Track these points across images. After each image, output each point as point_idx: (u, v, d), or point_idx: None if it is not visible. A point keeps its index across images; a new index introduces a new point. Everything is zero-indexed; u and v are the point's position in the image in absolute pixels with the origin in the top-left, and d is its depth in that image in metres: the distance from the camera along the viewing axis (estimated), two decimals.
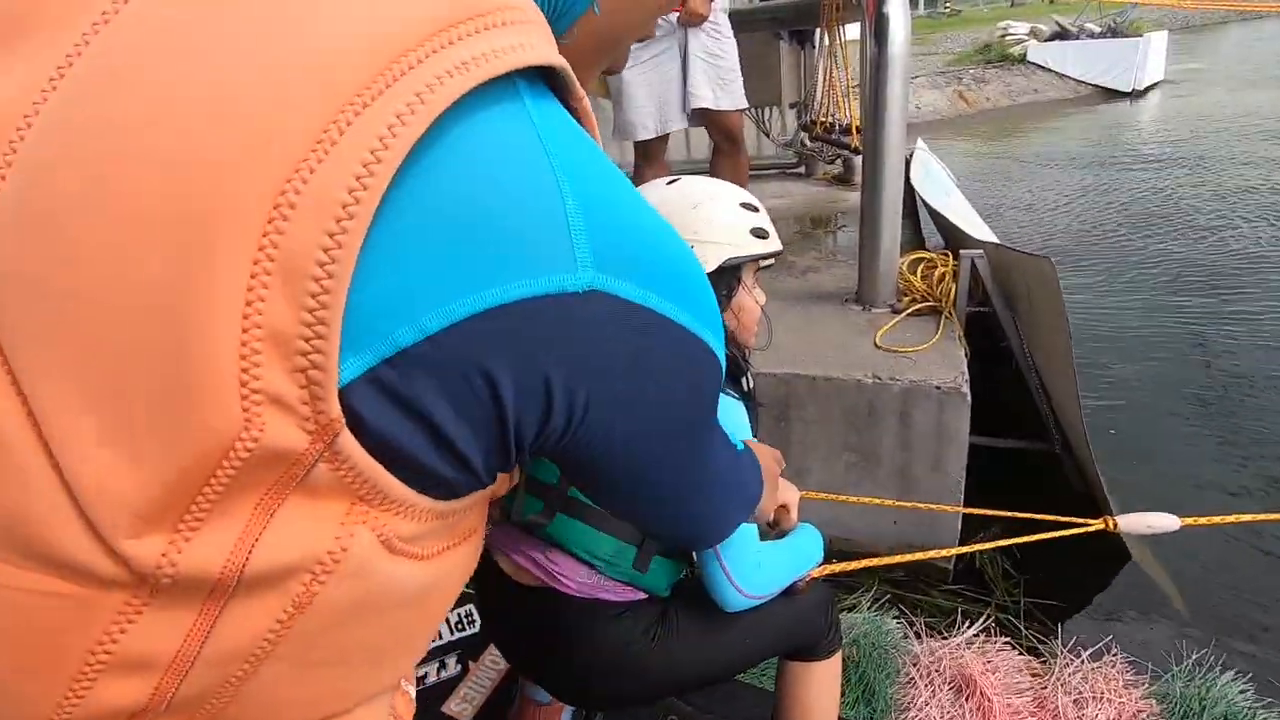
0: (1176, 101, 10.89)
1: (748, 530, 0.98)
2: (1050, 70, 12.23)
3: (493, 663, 1.63)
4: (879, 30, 1.97)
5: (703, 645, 1.01)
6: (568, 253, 0.30)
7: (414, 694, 1.49)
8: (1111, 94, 11.79)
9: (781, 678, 1.15)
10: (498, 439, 0.32)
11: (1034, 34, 12.97)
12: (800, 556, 1.07)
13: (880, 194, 2.11)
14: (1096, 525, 1.27)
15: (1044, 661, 1.61)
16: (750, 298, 1.07)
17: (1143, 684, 1.51)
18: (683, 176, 1.11)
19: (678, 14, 2.35)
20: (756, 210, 1.06)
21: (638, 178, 2.66)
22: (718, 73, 2.50)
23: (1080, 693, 1.49)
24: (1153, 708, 1.44)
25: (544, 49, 0.32)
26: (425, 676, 1.61)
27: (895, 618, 1.78)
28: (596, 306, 0.30)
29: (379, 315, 0.28)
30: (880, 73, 1.99)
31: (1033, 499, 2.31)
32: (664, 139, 2.57)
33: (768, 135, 4.39)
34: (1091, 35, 12.44)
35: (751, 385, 1.07)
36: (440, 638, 1.70)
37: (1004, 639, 1.67)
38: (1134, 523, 1.25)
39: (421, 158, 0.28)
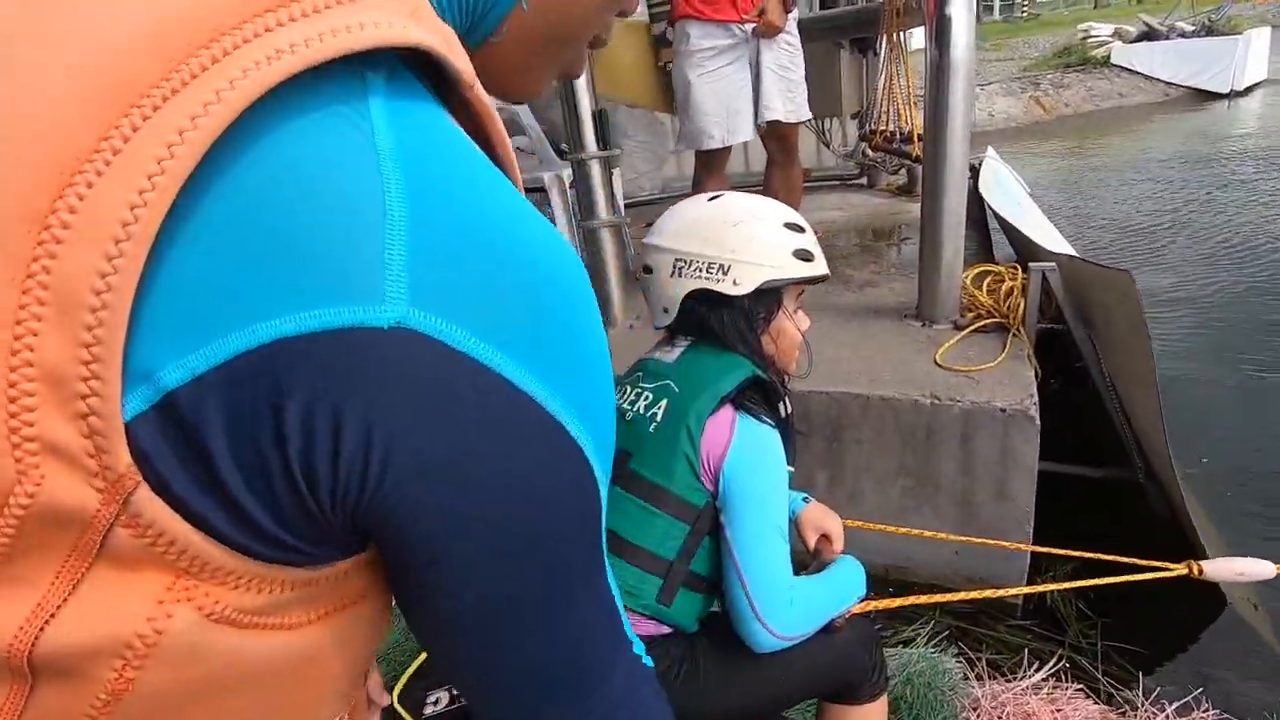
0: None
1: (780, 564, 0.92)
2: (1137, 73, 11.59)
3: None
4: (940, 33, 1.88)
5: (733, 686, 0.95)
6: (376, 280, 0.25)
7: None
8: (1207, 96, 11.07)
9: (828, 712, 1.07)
10: (288, 491, 0.26)
11: (1119, 35, 12.33)
12: (839, 592, 0.99)
13: (941, 203, 2.01)
14: (1179, 570, 1.14)
15: (1122, 713, 1.47)
16: (790, 322, 1.03)
17: None
18: (726, 192, 1.07)
19: (753, 24, 2.32)
20: (802, 231, 1.02)
21: (697, 189, 2.63)
22: (789, 85, 2.46)
23: None
24: None
25: (398, 29, 0.27)
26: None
27: (955, 655, 1.66)
28: (403, 347, 0.25)
29: (154, 351, 0.24)
30: (941, 77, 1.90)
31: (1114, 532, 2.14)
32: (728, 150, 2.52)
33: (828, 146, 4.29)
34: (1183, 35, 11.73)
35: (790, 412, 1.01)
36: None
37: (1077, 685, 1.54)
38: (1222, 569, 1.11)
39: (221, 166, 0.24)
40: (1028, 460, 1.72)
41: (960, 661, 1.63)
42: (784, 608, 0.90)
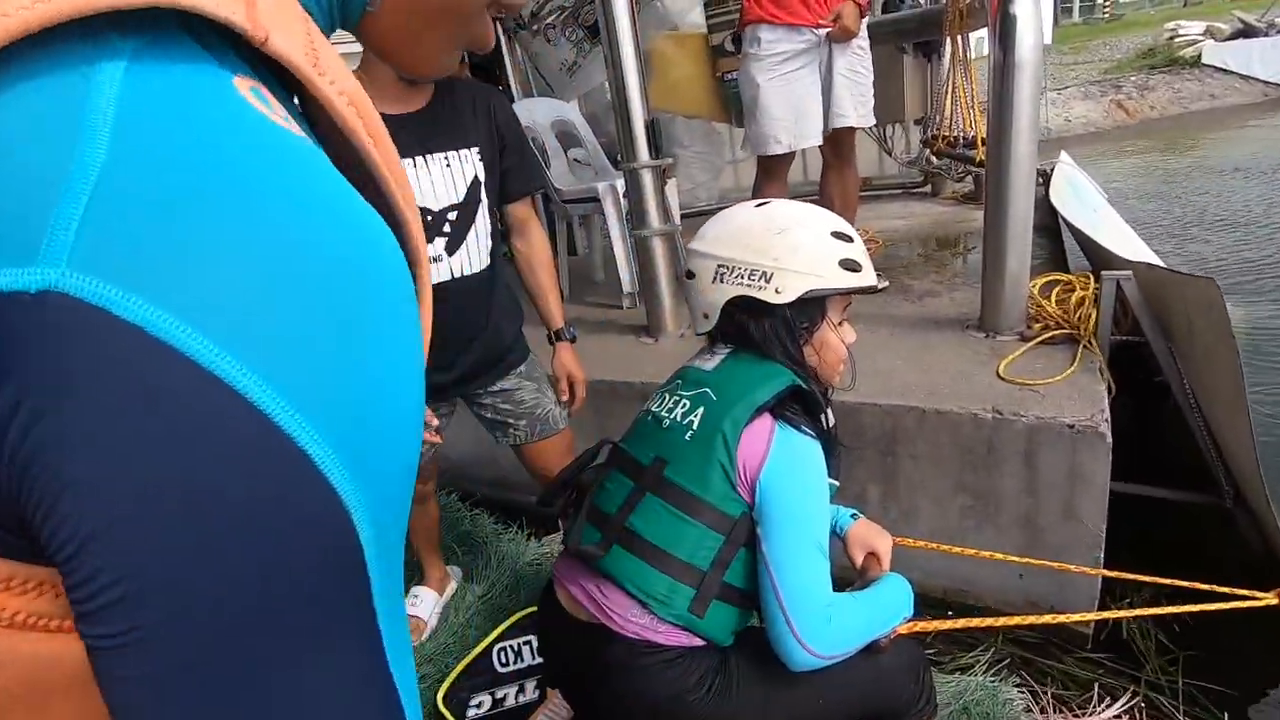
0: None
1: (817, 579, 0.89)
2: (1231, 72, 10.89)
3: None
4: (1004, 33, 1.80)
5: (767, 705, 0.92)
6: (33, 242, 0.21)
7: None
8: None
9: None
10: None
11: (1210, 33, 11.63)
12: (882, 611, 0.95)
13: (1005, 209, 1.92)
14: (1268, 599, 1.05)
15: None
16: (835, 334, 1.02)
17: None
18: (774, 199, 1.06)
19: (827, 29, 2.29)
20: (850, 241, 1.00)
21: (757, 195, 2.60)
22: (860, 90, 2.42)
23: None
24: None
25: None
26: (504, 699, 1.60)
27: (1018, 685, 1.57)
28: (54, 313, 0.21)
29: None
30: (1005, 78, 1.82)
31: (1197, 560, 1.99)
32: (791, 156, 2.49)
33: (890, 154, 4.18)
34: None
35: (833, 424, 1.00)
36: (523, 659, 1.70)
37: (1129, 700, 1.43)
38: None
39: None
40: (1098, 480, 1.62)
41: (1024, 693, 1.54)
42: (821, 625, 0.87)
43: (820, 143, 2.49)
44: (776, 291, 0.95)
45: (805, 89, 2.37)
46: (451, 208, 1.35)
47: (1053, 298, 2.04)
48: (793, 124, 2.40)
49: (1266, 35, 11.07)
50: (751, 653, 0.93)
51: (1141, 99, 10.28)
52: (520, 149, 1.46)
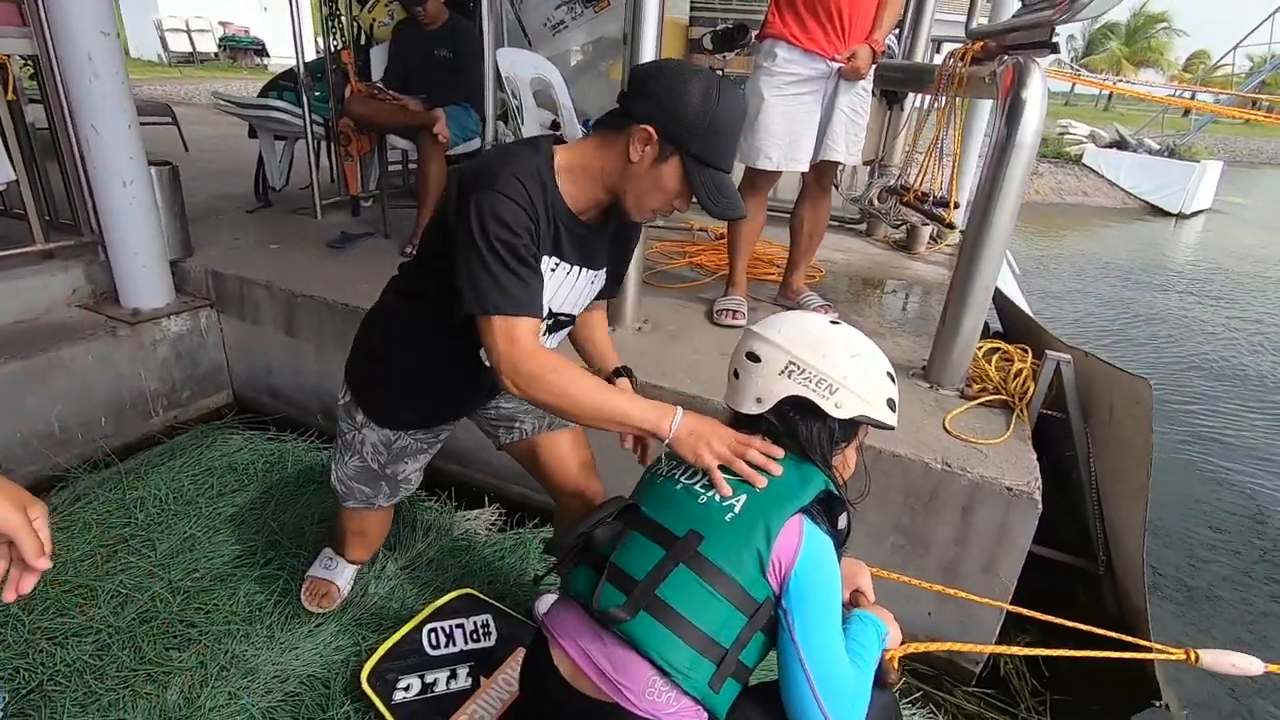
0: (1219, 231, 10.96)
1: (845, 662, 0.96)
2: (1103, 176, 12.31)
3: (505, 683, 1.55)
4: (1012, 114, 1.92)
5: None
6: None
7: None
8: (1157, 211, 11.88)
9: None
10: None
11: (1093, 138, 13.07)
12: (869, 655, 1.02)
13: (976, 279, 2.05)
14: (1178, 655, 1.22)
15: None
16: (855, 453, 1.14)
17: None
18: (844, 324, 1.14)
19: (839, 65, 2.34)
20: (894, 383, 1.11)
21: None
22: (855, 129, 2.50)
23: None
24: None
25: None
26: (434, 684, 1.53)
27: (924, 710, 1.71)
28: None
29: None
30: (1005, 156, 1.94)
31: (1064, 614, 2.25)
32: (777, 174, 2.52)
33: (837, 188, 4.35)
34: (1150, 151, 12.53)
35: (847, 524, 1.07)
36: (455, 643, 1.62)
37: None
38: (1218, 660, 1.19)
39: None
40: (1022, 541, 1.78)
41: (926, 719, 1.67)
42: (849, 703, 0.93)
43: (806, 169, 2.55)
44: (836, 405, 1.04)
45: (806, 115, 2.41)
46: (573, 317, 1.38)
47: (993, 364, 2.21)
48: (786, 145, 2.44)
49: (1135, 151, 12.62)
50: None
51: (1030, 183, 11.38)
52: (627, 262, 1.47)
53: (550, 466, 1.53)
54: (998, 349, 2.27)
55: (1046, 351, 2.07)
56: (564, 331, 1.40)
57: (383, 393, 1.41)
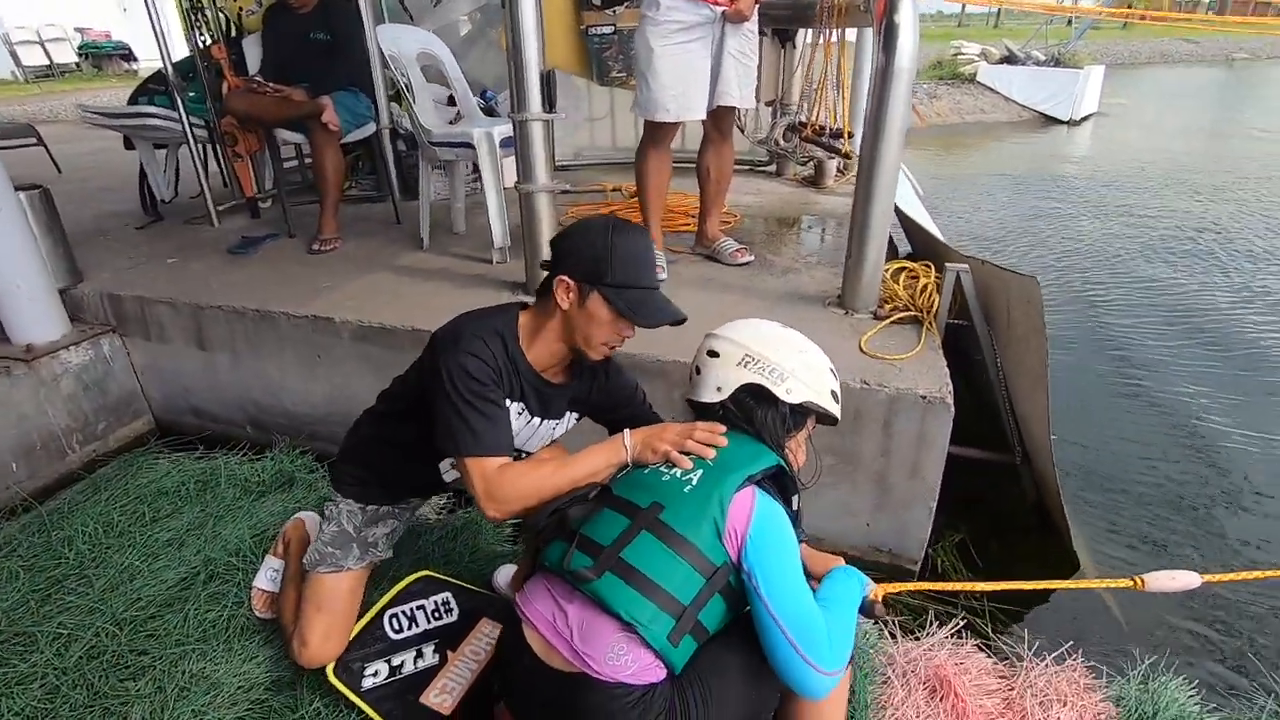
0: (1107, 134, 11.54)
1: (810, 603, 1.04)
2: (997, 92, 12.74)
3: (473, 654, 1.59)
4: (888, 39, 1.98)
5: (719, 710, 1.05)
6: None
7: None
8: (1050, 120, 12.39)
9: (790, 702, 1.16)
10: None
11: (985, 55, 13.46)
12: (847, 602, 1.13)
13: (874, 204, 2.13)
14: (1125, 584, 1.34)
15: (1009, 664, 1.68)
16: (805, 443, 1.29)
17: (1100, 688, 1.60)
18: (791, 328, 1.29)
19: (723, 9, 2.33)
20: (837, 379, 1.27)
21: (643, 158, 2.62)
22: (746, 72, 2.51)
23: (1045, 695, 1.56)
24: (1111, 710, 1.53)
25: None
26: (401, 665, 1.55)
27: (872, 619, 1.82)
28: None
29: None
30: (886, 83, 2.00)
31: (990, 507, 2.43)
32: (677, 126, 2.53)
33: (742, 131, 4.39)
34: (1037, 63, 13.00)
35: (798, 508, 1.18)
36: (417, 624, 1.65)
37: (974, 641, 1.74)
38: (1161, 580, 1.31)
39: None
40: (940, 442, 1.90)
41: (877, 625, 1.79)
42: (826, 647, 1.01)
43: (704, 117, 2.57)
44: (787, 391, 1.18)
45: (697, 63, 2.43)
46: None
47: (900, 283, 2.32)
48: (680, 95, 2.45)
49: (1024, 64, 13.06)
50: (698, 677, 1.06)
51: (930, 106, 11.70)
52: (628, 406, 1.56)
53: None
54: (904, 268, 2.37)
55: (946, 264, 2.19)
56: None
57: (361, 481, 1.58)
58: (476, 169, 2.87)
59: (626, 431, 1.29)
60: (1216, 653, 1.86)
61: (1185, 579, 1.32)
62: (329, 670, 1.51)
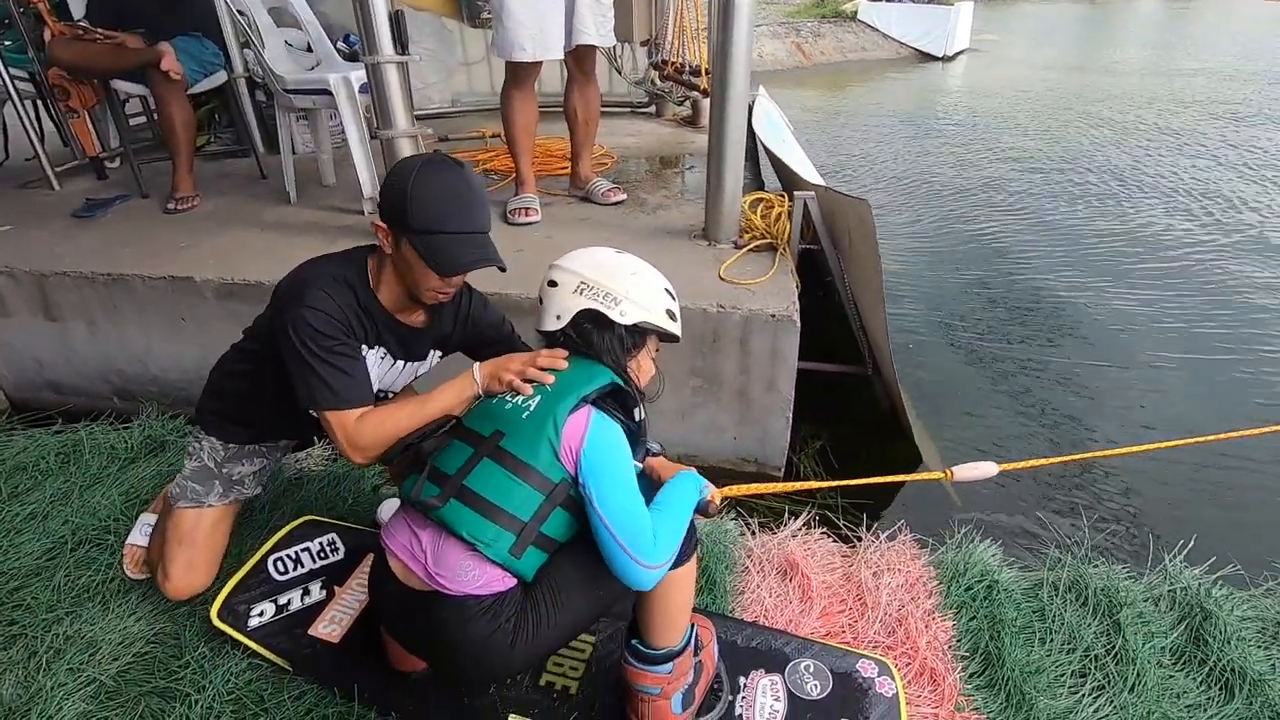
0: (978, 69, 12.13)
1: (639, 511, 1.12)
2: (877, 30, 13.10)
3: (359, 586, 1.65)
4: None
5: (563, 615, 1.16)
6: None
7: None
8: (927, 57, 12.91)
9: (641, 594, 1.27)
10: None
11: None
12: (681, 504, 1.22)
13: (725, 137, 2.24)
14: (938, 475, 1.54)
15: (852, 546, 1.91)
16: (649, 361, 1.35)
17: (924, 555, 1.84)
18: (627, 252, 1.33)
19: None
20: (674, 299, 1.33)
21: (506, 100, 2.62)
22: (601, 9, 2.51)
23: (878, 566, 1.79)
24: (931, 572, 1.77)
25: None
26: (289, 604, 1.60)
27: (734, 518, 2.01)
28: None
29: None
30: (727, 18, 2.09)
31: (848, 415, 2.67)
32: (538, 65, 2.53)
33: (619, 73, 4.40)
34: (913, 0, 13.41)
35: (643, 418, 1.26)
36: (302, 565, 1.69)
37: (822, 530, 1.96)
38: (966, 471, 1.52)
39: None
40: (790, 358, 2.08)
41: (738, 523, 1.97)
42: (650, 544, 1.11)
43: (562, 56, 2.58)
44: (621, 314, 1.24)
45: (549, 1, 2.43)
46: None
47: (758, 213, 2.46)
48: (537, 33, 2.45)
49: (901, 2, 13.46)
50: (549, 580, 1.16)
51: (815, 44, 11.94)
52: (495, 339, 1.57)
53: None
54: (761, 199, 2.51)
55: (794, 192, 2.34)
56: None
57: (222, 418, 1.58)
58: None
59: (476, 365, 1.35)
60: (1020, 520, 2.17)
61: (985, 468, 1.54)
62: (213, 614, 1.55)
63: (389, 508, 1.90)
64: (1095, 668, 1.54)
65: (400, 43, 2.23)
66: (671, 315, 1.32)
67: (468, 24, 4.22)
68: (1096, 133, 7.37)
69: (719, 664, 1.43)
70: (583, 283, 1.25)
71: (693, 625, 1.29)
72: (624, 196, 2.90)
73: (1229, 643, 1.57)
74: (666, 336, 1.35)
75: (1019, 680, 1.49)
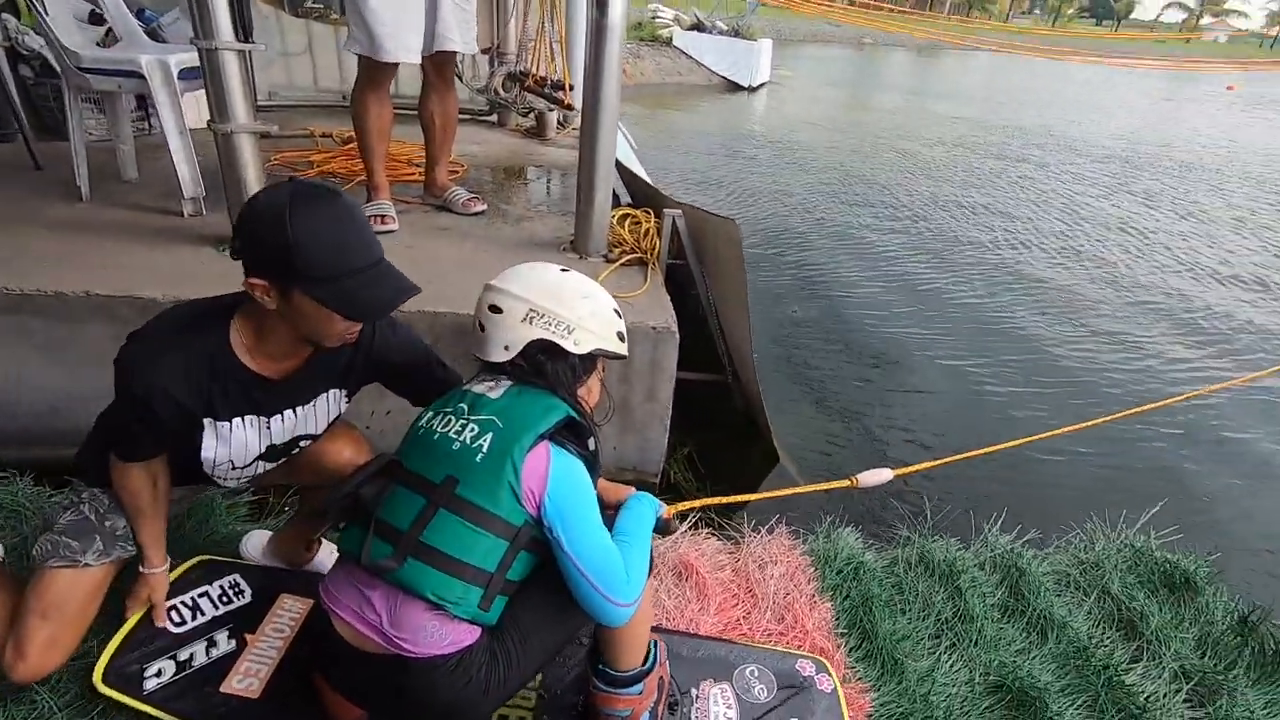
0: (778, 102, 13.37)
1: (610, 549, 1.09)
2: (691, 57, 13.95)
3: (276, 632, 1.47)
4: None
5: (532, 653, 1.12)
6: None
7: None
8: (735, 86, 13.97)
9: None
10: None
11: (678, 21, 14.58)
12: (640, 529, 1.20)
13: (598, 153, 2.29)
14: (844, 484, 1.68)
15: (736, 542, 2.03)
16: (598, 383, 1.28)
17: (800, 546, 2.01)
18: (573, 270, 1.23)
19: None
20: (622, 318, 1.25)
21: (360, 101, 2.45)
22: (466, 17, 2.44)
23: (762, 559, 1.92)
24: (807, 560, 1.94)
25: None
26: (191, 659, 1.38)
27: None
28: None
29: None
30: (601, 37, 2.14)
31: (710, 421, 2.82)
32: (395, 66, 2.39)
33: (461, 79, 4.28)
34: (720, 32, 14.46)
35: (596, 446, 1.20)
36: (203, 613, 1.47)
37: (707, 530, 2.06)
38: (870, 478, 1.68)
39: None
40: (670, 367, 2.17)
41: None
42: (624, 582, 1.08)
43: (419, 60, 2.47)
44: (575, 343, 1.16)
45: (412, 1, 2.33)
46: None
47: (626, 228, 2.54)
48: (395, 32, 2.33)
49: (711, 32, 14.46)
50: (510, 624, 1.10)
51: (636, 65, 12.42)
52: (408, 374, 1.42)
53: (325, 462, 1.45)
54: (628, 215, 2.59)
55: (664, 210, 2.44)
56: (281, 459, 1.38)
57: (106, 469, 1.33)
58: (143, 103, 2.44)
59: (152, 570, 1.38)
60: (875, 509, 2.44)
61: (882, 474, 1.72)
62: (96, 679, 1.29)
63: (255, 540, 1.70)
64: (946, 629, 1.78)
65: (243, 28, 2.01)
66: (622, 337, 1.24)
67: (287, 11, 3.88)
68: (883, 158, 8.45)
69: (671, 677, 1.45)
70: (532, 310, 1.14)
71: (654, 641, 1.30)
72: (485, 207, 2.84)
73: (1039, 594, 1.90)
74: (615, 356, 1.29)
75: (890, 648, 1.68)
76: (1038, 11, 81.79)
